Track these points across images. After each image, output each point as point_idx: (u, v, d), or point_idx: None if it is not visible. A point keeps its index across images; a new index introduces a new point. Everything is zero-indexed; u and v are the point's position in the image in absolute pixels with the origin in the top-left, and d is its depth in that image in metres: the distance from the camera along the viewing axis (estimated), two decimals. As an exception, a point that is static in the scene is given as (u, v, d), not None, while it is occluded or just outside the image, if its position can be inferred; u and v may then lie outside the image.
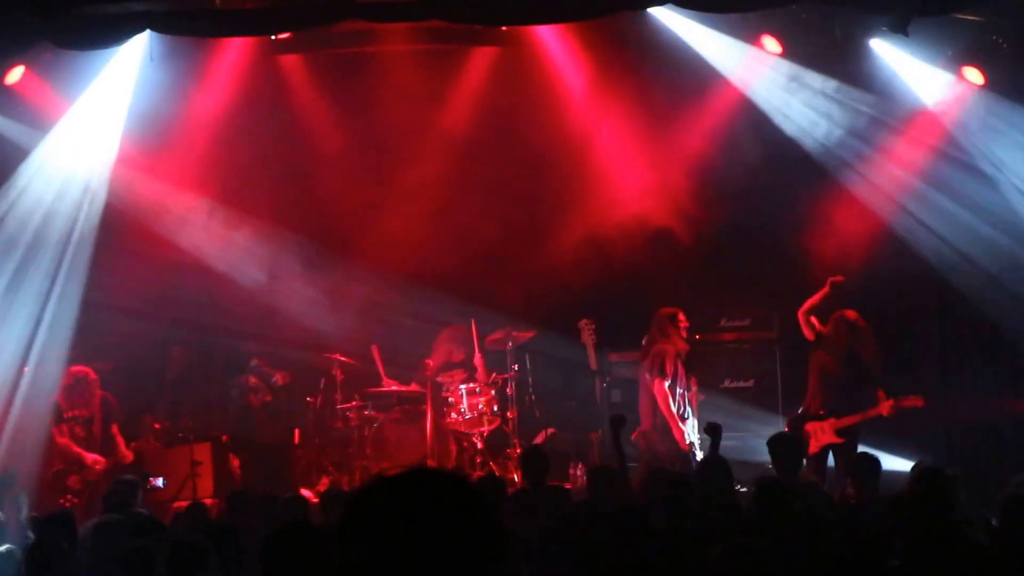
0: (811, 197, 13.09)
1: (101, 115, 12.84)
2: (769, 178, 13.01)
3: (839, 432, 11.18)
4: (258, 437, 13.60)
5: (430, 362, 13.59)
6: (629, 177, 13.77)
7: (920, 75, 12.37)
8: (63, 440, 11.73)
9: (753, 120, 13.00)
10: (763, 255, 13.54)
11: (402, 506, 2.42)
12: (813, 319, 11.56)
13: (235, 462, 13.01)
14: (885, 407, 11.14)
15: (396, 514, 2.41)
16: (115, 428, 12.02)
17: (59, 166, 12.82)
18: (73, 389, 11.92)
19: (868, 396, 11.29)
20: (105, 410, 11.98)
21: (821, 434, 11.15)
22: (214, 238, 13.74)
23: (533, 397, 13.76)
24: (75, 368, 12.09)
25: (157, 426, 13.05)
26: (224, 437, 13.08)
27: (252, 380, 13.91)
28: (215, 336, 13.88)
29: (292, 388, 14.01)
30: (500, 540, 2.46)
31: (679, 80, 12.90)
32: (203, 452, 12.68)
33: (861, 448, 10.83)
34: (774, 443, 9.17)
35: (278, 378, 13.95)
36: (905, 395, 11.18)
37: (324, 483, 13.04)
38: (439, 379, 13.51)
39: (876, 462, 8.89)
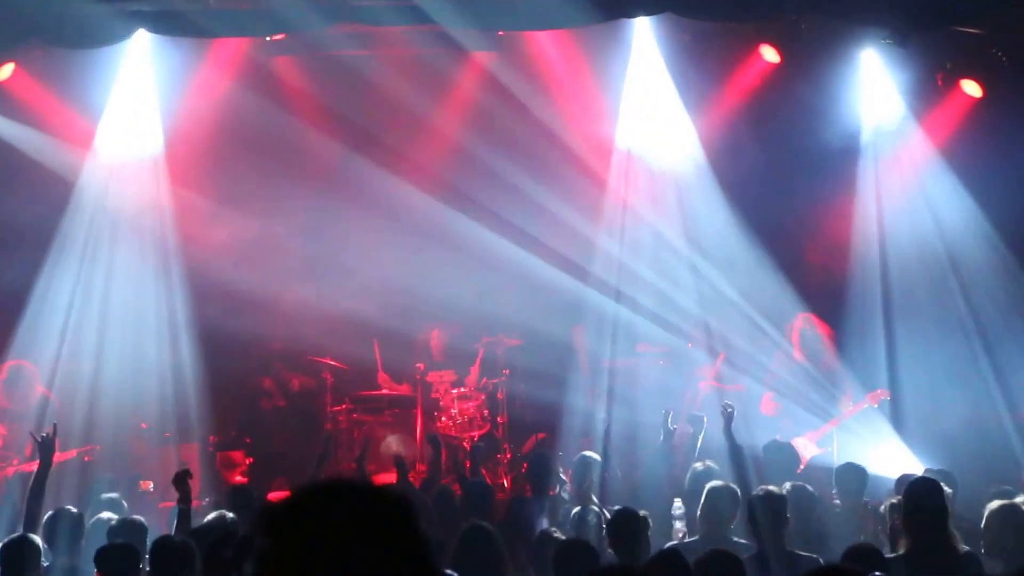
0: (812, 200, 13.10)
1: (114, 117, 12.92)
2: (770, 181, 12.98)
3: (820, 443, 11.24)
4: (266, 440, 13.52)
5: (422, 365, 13.57)
6: (625, 180, 13.71)
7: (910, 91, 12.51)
8: None
9: (754, 124, 12.99)
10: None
11: (315, 520, 2.44)
12: None
13: (246, 462, 12.95)
14: (854, 409, 11.35)
15: (309, 528, 2.44)
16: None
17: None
18: (8, 384, 11.75)
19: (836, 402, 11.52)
20: (44, 409, 11.68)
21: (803, 450, 11.14)
22: (215, 238, 13.65)
23: (524, 402, 13.69)
24: (11, 362, 11.95)
25: (144, 426, 12.95)
26: (212, 437, 12.99)
27: (267, 384, 13.86)
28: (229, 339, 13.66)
29: (308, 395, 13.94)
30: (417, 555, 2.46)
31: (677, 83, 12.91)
32: (190, 452, 12.59)
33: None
34: (767, 451, 9.12)
35: (294, 383, 13.90)
36: (871, 392, 11.50)
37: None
38: (428, 379, 13.47)
39: (861, 472, 8.86)
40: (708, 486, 7.51)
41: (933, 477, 7.63)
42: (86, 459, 11.55)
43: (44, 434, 8.35)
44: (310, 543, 2.42)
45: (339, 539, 2.42)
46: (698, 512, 7.54)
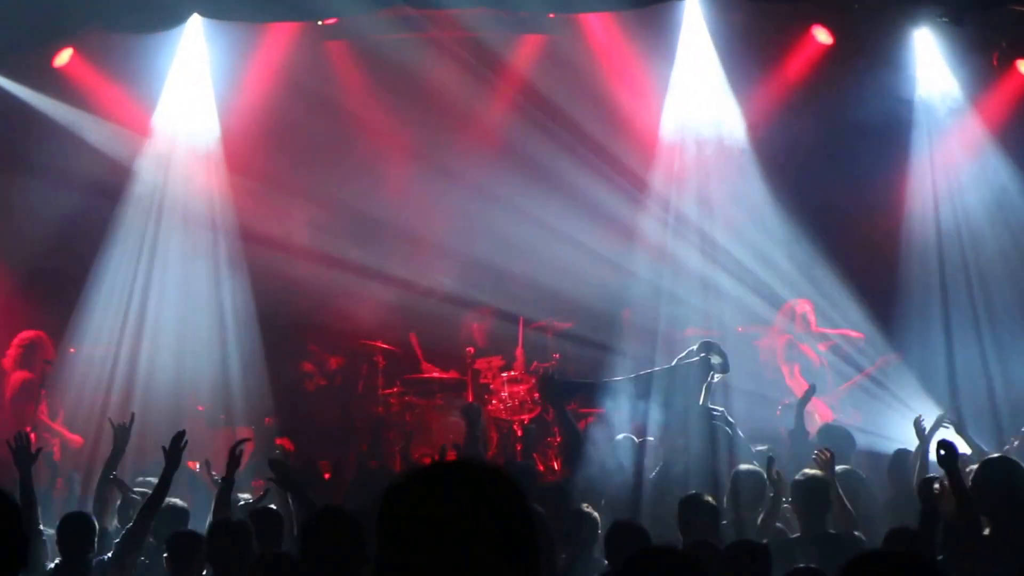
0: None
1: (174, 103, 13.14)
2: (822, 162, 12.93)
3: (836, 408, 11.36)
4: (312, 421, 13.66)
5: (471, 350, 13.62)
6: (676, 161, 13.68)
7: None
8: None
9: (808, 100, 12.93)
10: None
11: (437, 495, 2.47)
12: None
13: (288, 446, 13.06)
14: (864, 374, 11.63)
15: (431, 503, 2.46)
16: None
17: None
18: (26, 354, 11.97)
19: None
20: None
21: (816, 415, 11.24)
22: (267, 222, 13.76)
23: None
24: (28, 332, 12.16)
25: (200, 408, 13.09)
26: (268, 420, 13.12)
27: (307, 366, 13.98)
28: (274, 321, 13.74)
29: (346, 373, 14.05)
30: (532, 529, 2.50)
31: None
32: (246, 435, 12.70)
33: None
34: (822, 434, 9.10)
35: (332, 363, 14.01)
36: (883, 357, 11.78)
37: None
38: (476, 365, 13.52)
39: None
40: (802, 477, 7.39)
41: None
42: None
43: (123, 422, 8.49)
44: (427, 519, 2.46)
45: (459, 515, 2.45)
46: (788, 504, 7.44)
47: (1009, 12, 11.39)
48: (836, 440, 9.10)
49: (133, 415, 8.76)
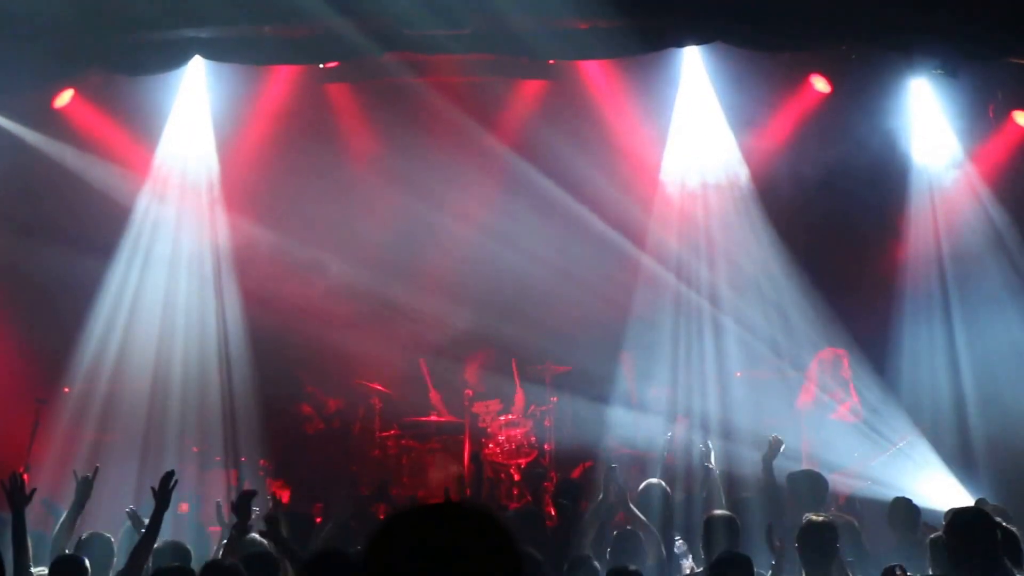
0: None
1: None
2: (820, 209, 13.01)
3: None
4: (312, 465, 13.60)
5: (470, 392, 13.60)
6: (675, 205, 13.74)
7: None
8: None
9: (807, 147, 13.02)
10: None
11: (424, 539, 2.48)
12: None
13: (285, 491, 13.00)
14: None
15: (418, 546, 2.47)
16: None
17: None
18: None
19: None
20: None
21: (841, 485, 11.20)
22: (265, 261, 13.78)
23: (571, 430, 13.67)
24: None
25: (195, 449, 13.05)
26: (262, 461, 13.08)
27: (306, 409, 13.94)
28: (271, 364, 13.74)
29: (345, 416, 14.01)
30: (519, 572, 2.49)
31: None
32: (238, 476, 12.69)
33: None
34: (793, 480, 9.02)
35: (332, 405, 13.98)
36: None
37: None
38: (474, 409, 13.49)
39: (912, 506, 8.76)
40: (808, 523, 7.32)
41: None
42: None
43: (87, 475, 8.21)
44: (415, 563, 2.46)
45: (447, 559, 2.46)
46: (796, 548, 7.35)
47: (1005, 65, 11.48)
48: (806, 486, 9.02)
49: (97, 468, 8.41)
